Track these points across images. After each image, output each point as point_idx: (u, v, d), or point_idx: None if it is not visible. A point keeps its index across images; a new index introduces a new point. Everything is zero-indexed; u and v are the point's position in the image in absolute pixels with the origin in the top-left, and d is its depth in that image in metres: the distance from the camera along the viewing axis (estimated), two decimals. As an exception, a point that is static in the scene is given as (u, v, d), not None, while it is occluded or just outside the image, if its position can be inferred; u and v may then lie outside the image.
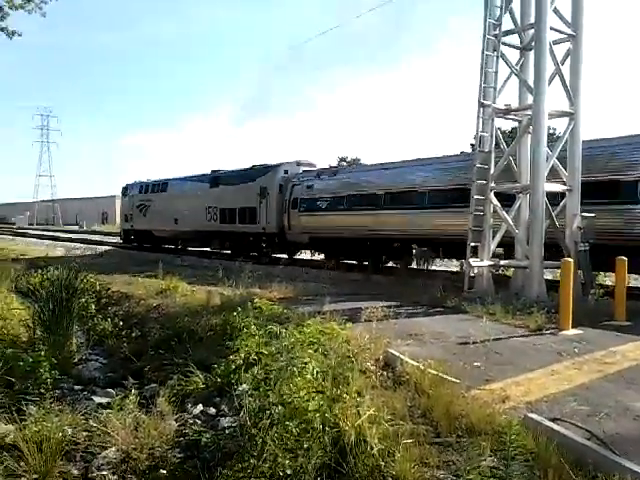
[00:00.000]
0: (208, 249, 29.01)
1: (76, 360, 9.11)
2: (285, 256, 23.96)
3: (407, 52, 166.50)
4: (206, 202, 28.23)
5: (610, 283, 13.32)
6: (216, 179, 28.75)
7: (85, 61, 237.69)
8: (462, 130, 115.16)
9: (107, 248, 32.50)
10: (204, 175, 30.38)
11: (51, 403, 5.81)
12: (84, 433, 5.54)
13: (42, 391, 6.42)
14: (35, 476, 4.77)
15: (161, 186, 33.28)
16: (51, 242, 38.00)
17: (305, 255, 25.45)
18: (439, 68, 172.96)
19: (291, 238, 23.83)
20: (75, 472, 5.09)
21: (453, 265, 19.11)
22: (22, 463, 4.84)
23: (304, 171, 24.86)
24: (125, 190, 37.15)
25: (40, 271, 14.35)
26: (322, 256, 23.48)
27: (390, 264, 20.55)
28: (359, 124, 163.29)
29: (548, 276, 12.82)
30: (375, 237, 19.92)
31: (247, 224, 25.49)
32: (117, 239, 39.71)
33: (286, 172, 24.87)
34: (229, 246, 27.20)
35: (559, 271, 9.78)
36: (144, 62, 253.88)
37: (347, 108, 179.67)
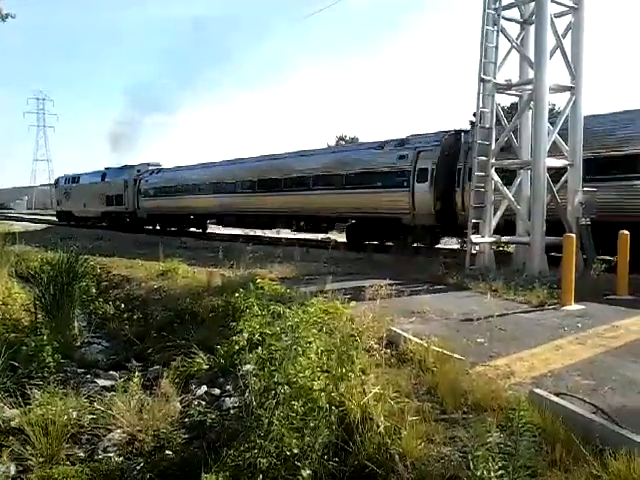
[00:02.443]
0: (104, 223, 39.73)
1: (78, 343, 9.13)
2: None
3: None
4: (99, 191, 40.02)
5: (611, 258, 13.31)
6: (104, 174, 40.95)
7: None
8: (462, 106, 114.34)
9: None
10: (98, 171, 42.56)
11: (55, 387, 5.81)
12: (89, 416, 5.56)
13: (46, 375, 6.44)
14: (41, 459, 4.78)
15: (76, 179, 45.30)
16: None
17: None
18: (438, 45, 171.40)
19: (139, 215, 36.21)
20: (81, 454, 5.12)
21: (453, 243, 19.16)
22: (28, 447, 4.86)
23: (149, 169, 37.38)
24: (56, 182, 49.87)
25: (39, 255, 14.35)
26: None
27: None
28: (358, 102, 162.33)
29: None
30: (180, 213, 32.38)
31: (119, 206, 37.53)
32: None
33: (139, 170, 37.47)
34: (112, 221, 38.41)
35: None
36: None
37: (346, 86, 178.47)
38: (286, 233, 26.01)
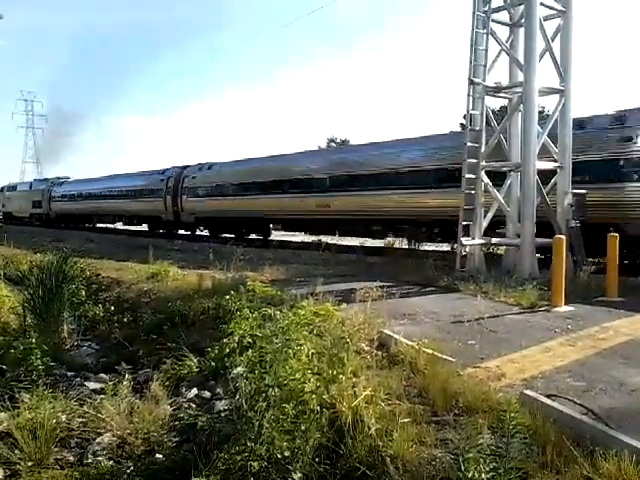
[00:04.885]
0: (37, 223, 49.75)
1: (68, 346, 9.07)
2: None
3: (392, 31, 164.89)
4: (28, 197, 52.87)
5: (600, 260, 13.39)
6: (31, 184, 55.17)
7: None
8: (452, 108, 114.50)
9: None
10: (28, 182, 58.46)
11: (44, 390, 5.74)
12: (78, 419, 5.51)
13: (34, 378, 6.36)
14: (30, 463, 4.73)
15: (15, 187, 59.08)
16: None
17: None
18: (426, 46, 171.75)
19: (51, 216, 48.27)
20: (71, 458, 5.07)
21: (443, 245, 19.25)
22: (16, 451, 4.80)
23: (58, 182, 50.06)
24: (2, 189, 61.45)
25: (28, 258, 14.25)
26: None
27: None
28: (348, 104, 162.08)
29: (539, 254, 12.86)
30: (74, 214, 45.73)
31: (40, 209, 50.11)
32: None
33: (53, 182, 50.46)
34: (36, 220, 49.74)
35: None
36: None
37: (335, 88, 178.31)
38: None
